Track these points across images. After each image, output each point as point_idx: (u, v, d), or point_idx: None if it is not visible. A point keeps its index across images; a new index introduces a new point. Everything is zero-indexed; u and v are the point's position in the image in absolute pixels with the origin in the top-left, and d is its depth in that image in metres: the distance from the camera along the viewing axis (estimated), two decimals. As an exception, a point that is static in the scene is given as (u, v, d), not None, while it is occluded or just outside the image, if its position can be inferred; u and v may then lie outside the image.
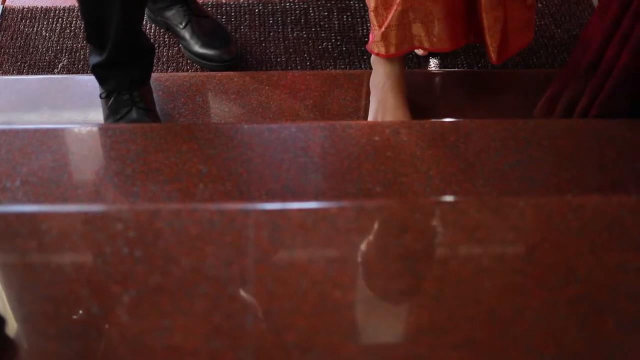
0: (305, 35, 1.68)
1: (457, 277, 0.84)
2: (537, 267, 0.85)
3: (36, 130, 1.18)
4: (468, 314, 0.81)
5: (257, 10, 1.75)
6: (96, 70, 1.32)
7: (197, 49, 1.59)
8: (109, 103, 1.33)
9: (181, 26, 1.61)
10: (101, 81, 1.34)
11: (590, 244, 0.87)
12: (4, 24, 1.69)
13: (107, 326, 0.79)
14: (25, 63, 1.60)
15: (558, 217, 0.90)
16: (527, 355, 0.78)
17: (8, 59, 1.61)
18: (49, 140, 1.17)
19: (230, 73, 1.52)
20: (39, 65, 1.60)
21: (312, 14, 1.73)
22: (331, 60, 1.62)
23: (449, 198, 0.91)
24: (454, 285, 0.83)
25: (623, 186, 1.07)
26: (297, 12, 1.74)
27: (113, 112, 1.32)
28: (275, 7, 1.75)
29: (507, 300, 0.82)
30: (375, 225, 0.88)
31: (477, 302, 0.82)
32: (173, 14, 1.63)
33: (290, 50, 1.65)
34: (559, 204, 0.91)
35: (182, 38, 1.62)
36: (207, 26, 1.62)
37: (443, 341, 0.79)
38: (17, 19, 1.70)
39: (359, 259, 0.85)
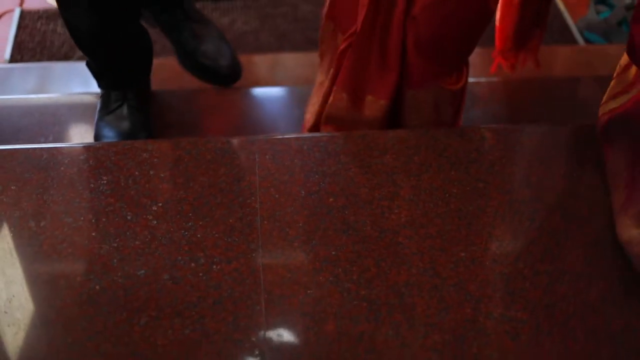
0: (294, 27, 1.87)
1: (429, 186, 1.00)
2: (496, 176, 1.02)
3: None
4: (439, 212, 0.97)
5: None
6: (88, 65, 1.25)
7: (194, 59, 1.41)
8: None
9: (176, 33, 1.41)
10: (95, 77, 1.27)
11: (541, 159, 1.04)
12: (22, 24, 1.87)
13: (139, 228, 0.94)
14: (43, 55, 1.78)
15: (513, 139, 1.07)
16: (488, 241, 0.94)
17: (27, 52, 1.78)
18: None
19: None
20: (56, 58, 1.77)
21: (302, 8, 1.93)
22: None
23: (421, 128, 1.08)
24: (427, 191, 1.00)
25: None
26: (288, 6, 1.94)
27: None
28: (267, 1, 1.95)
29: (472, 201, 0.99)
30: (360, 149, 1.04)
31: (447, 203, 0.98)
32: (167, 19, 1.41)
33: (283, 39, 1.84)
34: (513, 131, 1.09)
35: (177, 45, 1.43)
36: (205, 34, 1.41)
37: (419, 232, 0.95)
38: (34, 19, 1.88)
39: (347, 174, 1.01)
